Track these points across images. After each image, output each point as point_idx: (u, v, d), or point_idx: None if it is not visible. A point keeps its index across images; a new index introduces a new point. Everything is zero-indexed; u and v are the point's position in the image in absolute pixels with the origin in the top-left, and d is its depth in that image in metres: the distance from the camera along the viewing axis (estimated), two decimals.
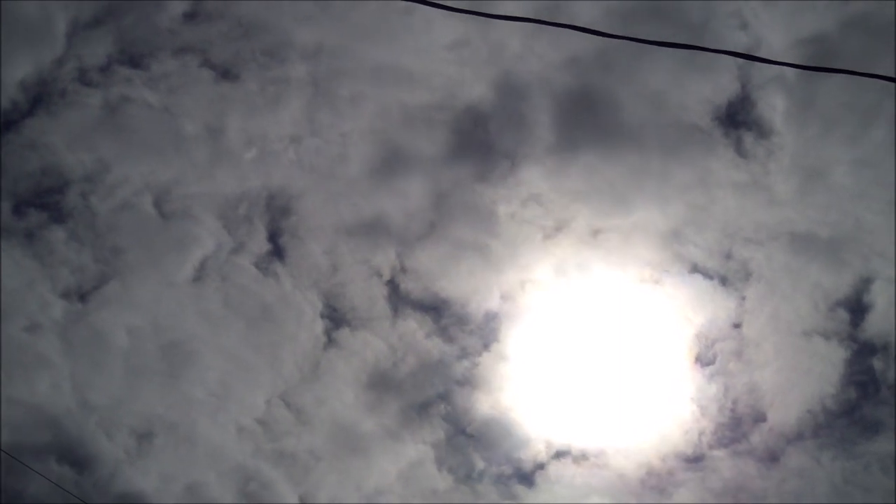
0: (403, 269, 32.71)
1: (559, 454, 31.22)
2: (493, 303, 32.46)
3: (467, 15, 9.22)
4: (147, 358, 29.81)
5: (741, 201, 32.44)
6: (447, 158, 32.73)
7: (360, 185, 32.73)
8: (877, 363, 31.38)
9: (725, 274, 32.39)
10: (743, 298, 32.36)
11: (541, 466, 31.09)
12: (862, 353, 31.59)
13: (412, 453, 31.14)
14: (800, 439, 30.98)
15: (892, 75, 8.82)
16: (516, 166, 32.87)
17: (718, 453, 31.03)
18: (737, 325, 32.19)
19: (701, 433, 31.07)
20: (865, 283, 31.64)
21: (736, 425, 31.33)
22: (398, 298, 32.66)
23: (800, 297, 32.10)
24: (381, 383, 31.81)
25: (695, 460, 31.05)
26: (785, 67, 30.79)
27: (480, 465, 31.29)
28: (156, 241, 30.66)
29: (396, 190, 32.76)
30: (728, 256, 32.46)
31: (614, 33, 9.15)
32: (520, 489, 30.93)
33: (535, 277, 32.74)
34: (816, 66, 9.16)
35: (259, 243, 31.78)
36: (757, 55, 8.52)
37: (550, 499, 30.73)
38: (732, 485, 30.54)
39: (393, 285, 32.65)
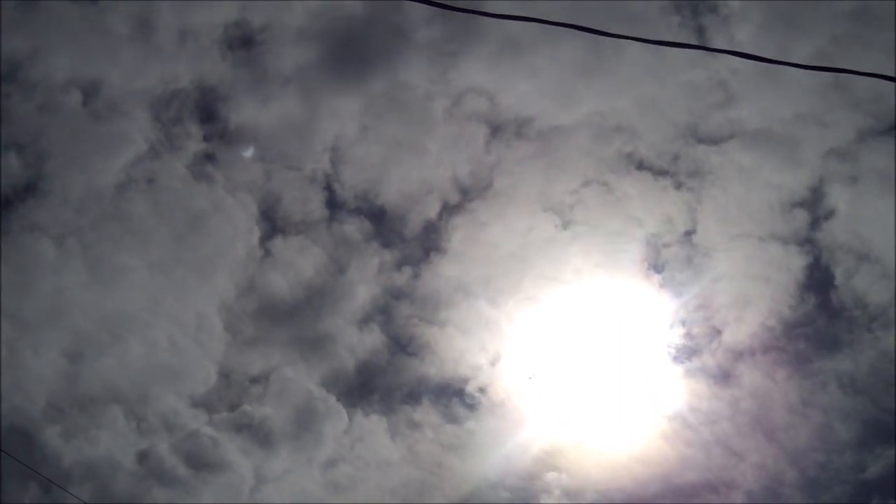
0: (338, 175, 33.18)
1: (505, 373, 31.64)
2: (431, 209, 32.95)
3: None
4: (75, 272, 29.94)
5: (694, 96, 32.93)
6: (379, 56, 32.86)
7: (292, 85, 32.97)
8: (837, 271, 31.89)
9: (677, 173, 32.87)
10: (696, 199, 32.81)
11: (484, 385, 31.48)
12: (821, 259, 32.06)
13: (349, 372, 31.78)
14: (754, 356, 31.31)
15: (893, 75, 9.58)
16: (453, 61, 33.13)
17: (670, 371, 31.58)
18: (688, 230, 32.60)
19: (652, 348, 31.69)
20: (825, 184, 32.18)
21: (687, 341, 31.71)
22: (333, 204, 33.14)
23: (755, 198, 32.63)
24: (316, 295, 32.31)
25: (645, 377, 31.66)
26: None
27: (420, 385, 31.99)
28: (85, 141, 30.64)
29: (329, 90, 33.06)
30: (680, 156, 32.91)
31: (614, 33, 9.81)
32: (461, 411, 31.44)
33: (476, 182, 33.18)
34: (816, 66, 9.82)
35: (192, 145, 32.03)
36: (757, 55, 9.04)
37: (493, 419, 31.13)
38: (685, 406, 31.15)
39: (328, 191, 33.13)
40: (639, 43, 9.20)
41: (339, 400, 30.14)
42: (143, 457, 27.83)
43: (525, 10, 9.95)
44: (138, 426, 28.34)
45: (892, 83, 9.77)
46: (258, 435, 29.12)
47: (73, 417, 28.10)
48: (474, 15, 10.05)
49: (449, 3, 9.59)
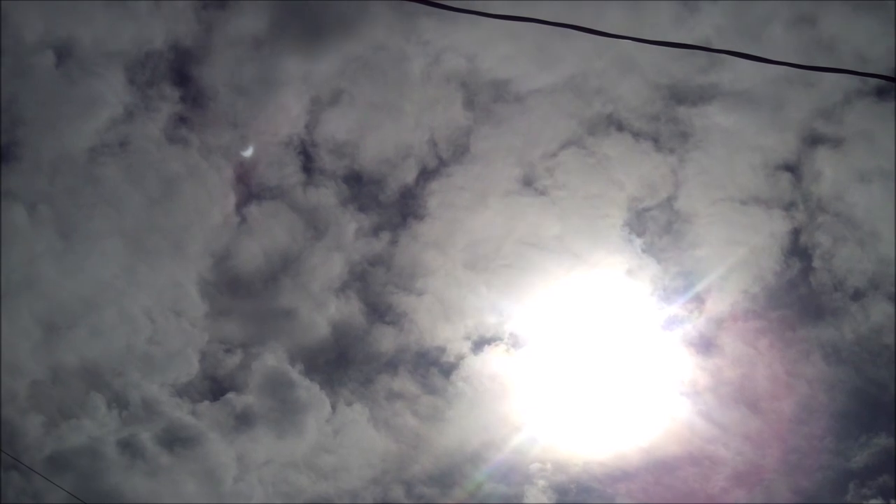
0: (313, 139, 33.25)
1: (484, 342, 31.63)
2: (409, 174, 33.10)
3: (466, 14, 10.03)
4: (49, 239, 29.91)
5: (675, 57, 32.91)
6: (354, 15, 32.82)
7: (267, 47, 32.99)
8: (822, 236, 31.85)
9: (658, 136, 33.13)
10: (678, 161, 33.00)
11: (462, 355, 31.48)
12: (806, 224, 32.04)
13: (327, 343, 31.91)
14: (736, 324, 31.16)
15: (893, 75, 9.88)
16: (429, 21, 33.10)
17: (651, 339, 31.54)
18: (670, 193, 32.82)
19: (632, 316, 31.66)
20: (809, 147, 32.45)
21: (669, 308, 31.52)
22: (309, 168, 33.27)
23: (738, 161, 32.89)
24: (293, 263, 32.41)
25: (626, 346, 31.52)
26: None
27: (399, 355, 32.13)
28: (58, 103, 30.54)
29: (304, 51, 33.01)
30: (661, 118, 33.27)
31: (614, 33, 10.07)
32: (439, 380, 31.58)
33: (453, 146, 33.27)
34: (816, 66, 10.08)
35: (166, 107, 32.15)
36: (757, 55, 9.29)
37: (471, 391, 31.11)
38: (666, 375, 31.26)
39: (304, 155, 33.21)
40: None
41: (322, 388, 30.26)
42: (123, 443, 27.95)
43: (524, 9, 10.15)
44: (120, 414, 28.42)
45: (890, 76, 9.98)
46: (241, 419, 29.32)
47: (52, 403, 28.19)
48: (474, 15, 10.24)
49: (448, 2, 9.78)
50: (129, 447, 27.50)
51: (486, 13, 10.36)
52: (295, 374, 30.09)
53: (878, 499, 28.61)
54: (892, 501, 28.31)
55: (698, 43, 33.10)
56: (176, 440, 28.00)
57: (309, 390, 29.71)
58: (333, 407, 30.13)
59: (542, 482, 29.29)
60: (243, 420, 29.22)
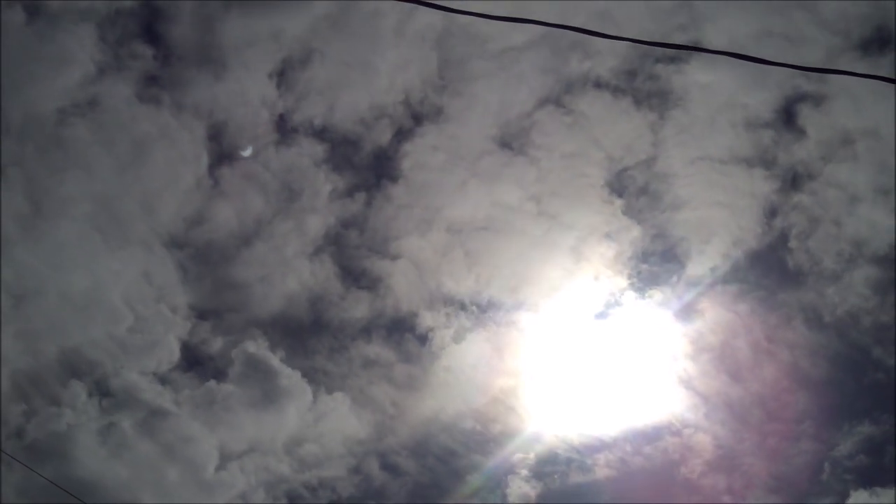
0: (284, 99, 33.18)
1: (459, 307, 31.84)
2: (382, 134, 33.10)
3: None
4: (15, 206, 29.93)
5: (654, 12, 32.83)
6: None
7: (237, 6, 32.80)
8: (805, 197, 32.17)
9: (637, 93, 33.09)
10: (658, 118, 33.13)
11: (437, 321, 31.79)
12: (788, 184, 32.32)
13: (300, 309, 31.95)
14: (715, 287, 31.33)
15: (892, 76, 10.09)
16: None
17: (631, 302, 31.64)
18: (650, 152, 32.92)
19: (612, 279, 31.67)
20: (792, 104, 32.53)
21: (649, 270, 31.85)
22: (282, 128, 33.21)
23: (718, 119, 33.03)
24: (266, 226, 32.46)
25: (605, 313, 31.81)
26: None
27: (373, 321, 32.36)
28: (28, 61, 30.39)
29: (274, 9, 32.83)
30: (639, 74, 33.31)
31: (612, 34, 10.24)
32: (414, 347, 31.93)
33: (428, 106, 33.27)
34: (816, 66, 10.31)
35: (138, 65, 32.07)
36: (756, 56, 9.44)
37: (446, 361, 31.46)
38: (645, 341, 31.37)
39: (277, 115, 33.15)
40: None
41: (304, 376, 30.36)
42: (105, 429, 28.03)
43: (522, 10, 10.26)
44: (102, 399, 28.46)
45: (891, 82, 10.17)
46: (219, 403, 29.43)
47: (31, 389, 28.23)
48: (472, 16, 10.35)
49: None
50: (109, 435, 27.67)
51: (485, 14, 10.47)
52: (276, 361, 30.24)
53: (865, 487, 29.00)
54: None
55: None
56: (153, 421, 28.15)
57: (290, 378, 29.84)
58: (315, 394, 30.32)
59: (524, 471, 29.60)
60: (223, 405, 29.32)
